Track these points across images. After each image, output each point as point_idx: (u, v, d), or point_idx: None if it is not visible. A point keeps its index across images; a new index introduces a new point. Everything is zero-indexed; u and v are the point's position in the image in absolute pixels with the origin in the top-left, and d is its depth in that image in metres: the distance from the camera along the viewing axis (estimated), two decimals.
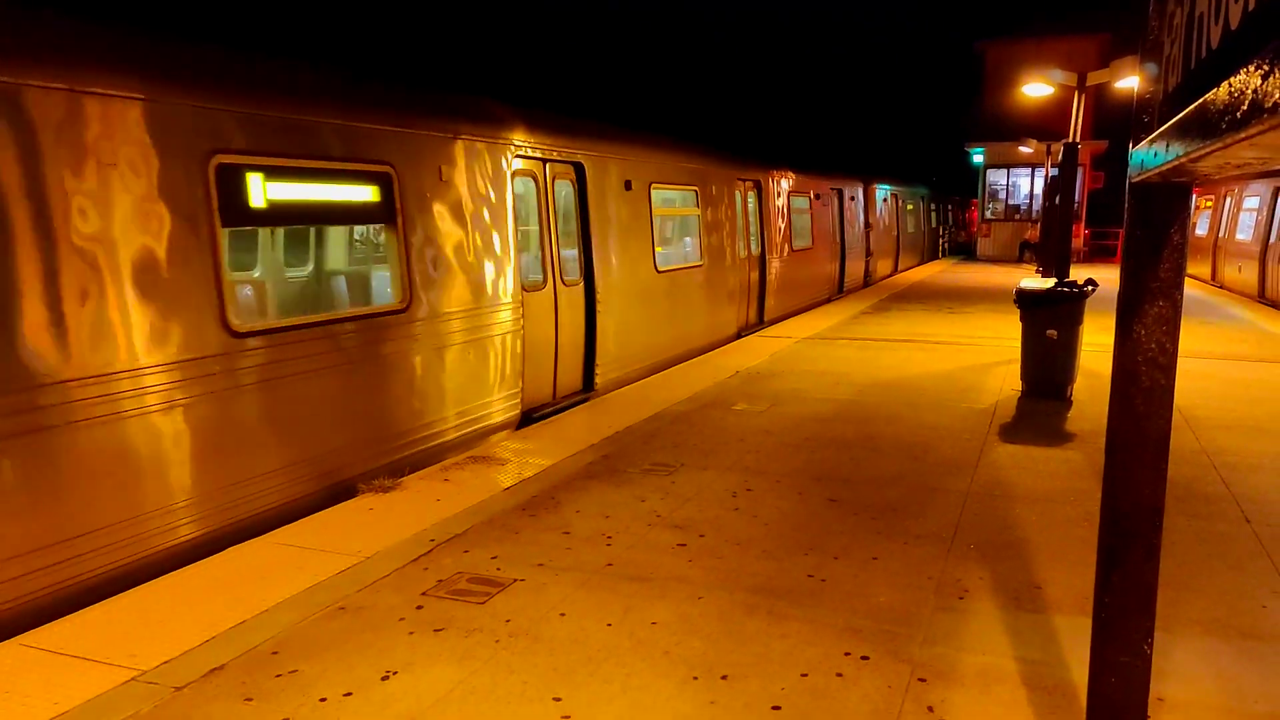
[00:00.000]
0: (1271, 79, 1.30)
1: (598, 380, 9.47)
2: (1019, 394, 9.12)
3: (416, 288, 6.78)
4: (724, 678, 3.67)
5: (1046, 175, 27.70)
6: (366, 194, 6.45)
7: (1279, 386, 9.58)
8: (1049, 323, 8.71)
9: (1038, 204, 31.07)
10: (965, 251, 38.52)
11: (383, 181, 6.52)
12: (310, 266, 8.65)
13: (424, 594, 4.45)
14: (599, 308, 9.43)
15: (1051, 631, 4.07)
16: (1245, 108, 1.43)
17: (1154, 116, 2.52)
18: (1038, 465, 6.69)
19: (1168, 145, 2.13)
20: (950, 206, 40.44)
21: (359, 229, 8.74)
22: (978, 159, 33.83)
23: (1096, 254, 32.75)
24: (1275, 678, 3.66)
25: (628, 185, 10.14)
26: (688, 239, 12.68)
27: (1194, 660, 3.79)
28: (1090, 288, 8.79)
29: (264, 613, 4.25)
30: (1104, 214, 33.74)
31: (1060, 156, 17.40)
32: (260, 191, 5.55)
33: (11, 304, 4.20)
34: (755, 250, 14.65)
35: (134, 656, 3.83)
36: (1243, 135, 1.46)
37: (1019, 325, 9.02)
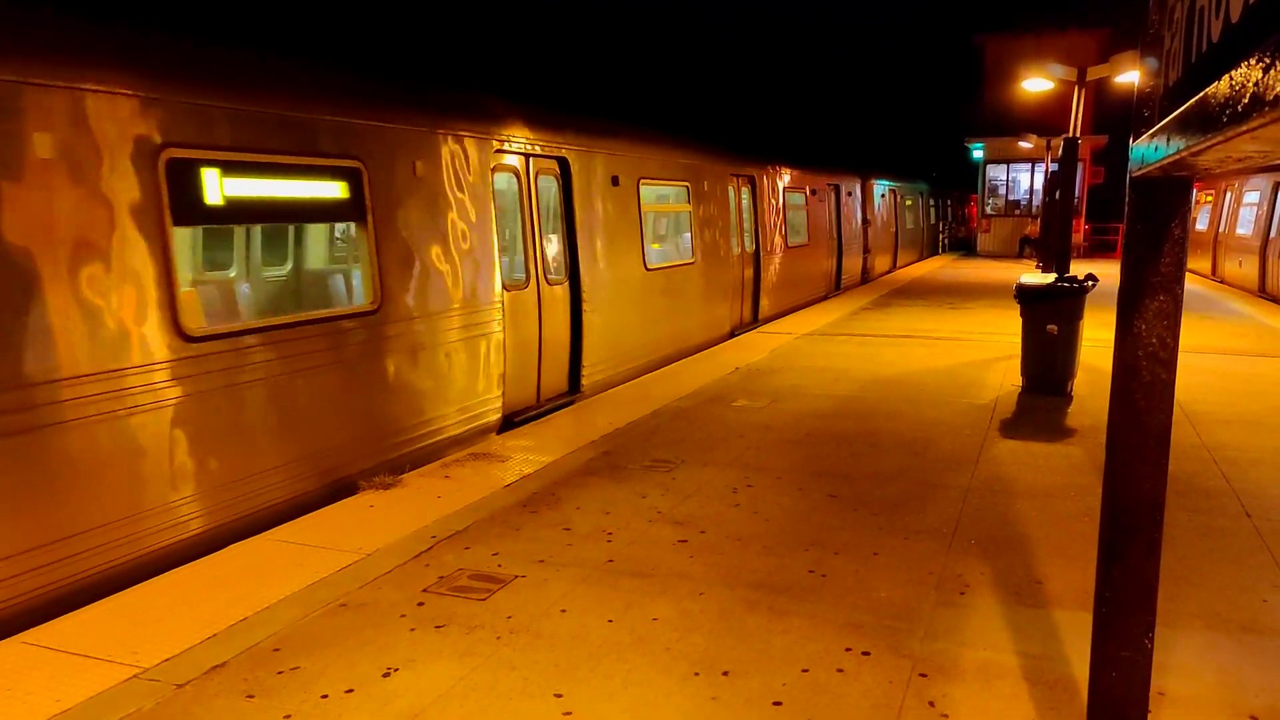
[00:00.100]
0: (1272, 72, 1.30)
1: (584, 382, 9.26)
2: (1019, 389, 9.12)
3: (388, 288, 6.52)
4: (725, 673, 3.67)
5: (1046, 170, 27.70)
6: (334, 190, 6.19)
7: (1279, 381, 9.58)
8: (1049, 318, 8.71)
9: (1038, 199, 31.05)
10: (965, 247, 38.54)
11: (351, 177, 6.26)
12: (278, 266, 8.30)
13: (425, 591, 4.46)
14: (585, 307, 9.22)
15: (1052, 626, 4.07)
16: (1246, 101, 1.43)
17: (1154, 111, 2.52)
18: (1038, 460, 6.69)
19: (1168, 139, 2.13)
20: (950, 202, 40.43)
21: (335, 227, 8.32)
22: (978, 154, 33.81)
23: (1097, 249, 32.73)
24: (1276, 671, 3.66)
25: (615, 181, 9.95)
26: (679, 236, 12.49)
27: (1195, 654, 3.79)
28: (1090, 283, 8.78)
29: (265, 610, 4.25)
30: (1104, 209, 33.75)
31: (1060, 151, 17.38)
32: (217, 188, 5.29)
33: None
34: (749, 247, 14.50)
35: (135, 654, 3.83)
36: (1244, 128, 1.46)
37: (1019, 321, 9.02)
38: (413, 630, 4.05)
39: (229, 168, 5.38)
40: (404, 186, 6.75)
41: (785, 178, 16.29)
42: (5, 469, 4.24)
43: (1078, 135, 16.59)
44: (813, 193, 18.00)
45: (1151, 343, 2.69)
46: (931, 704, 3.44)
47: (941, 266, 27.89)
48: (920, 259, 30.92)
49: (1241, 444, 7.07)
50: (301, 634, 4.02)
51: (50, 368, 4.39)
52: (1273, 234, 17.64)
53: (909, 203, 29.01)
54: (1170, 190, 2.63)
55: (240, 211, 5.90)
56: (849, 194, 20.93)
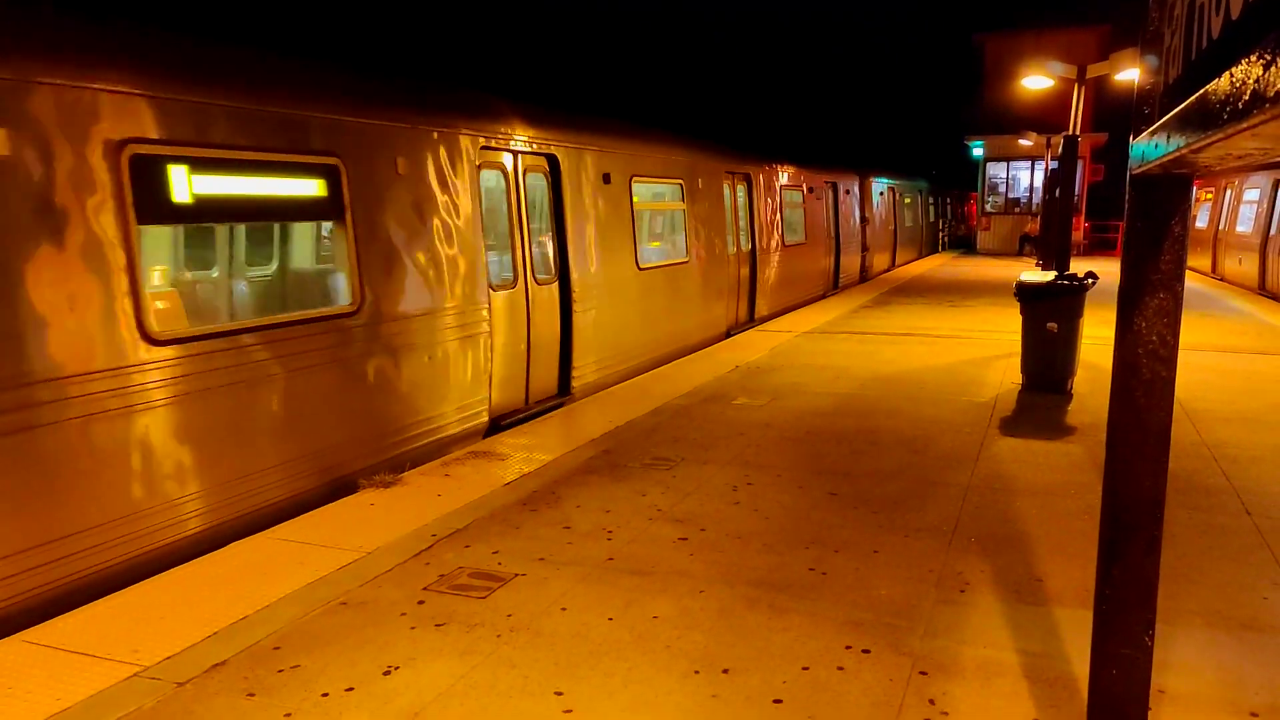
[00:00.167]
0: (1273, 69, 1.30)
1: (574, 384, 9.09)
2: (1019, 387, 9.12)
3: (368, 289, 6.37)
4: (725, 671, 3.67)
5: (1046, 168, 27.66)
6: (311, 188, 6.00)
7: (1279, 379, 9.58)
8: (1049, 316, 8.71)
9: (1038, 197, 31.05)
10: (965, 245, 38.51)
11: (329, 175, 6.09)
12: (258, 267, 8.10)
13: (425, 589, 4.46)
14: (575, 307, 9.03)
15: (1052, 624, 4.07)
16: (1247, 98, 1.43)
17: (1154, 108, 2.51)
18: (1038, 458, 6.70)
19: (1168, 137, 2.13)
20: (949, 200, 40.42)
21: (314, 226, 7.95)
22: (977, 152, 33.80)
23: (1097, 247, 32.72)
24: (1276, 669, 3.66)
25: (606, 178, 9.77)
26: (673, 235, 12.33)
27: (1195, 652, 3.80)
28: (1090, 281, 8.78)
29: (266, 608, 4.25)
30: (1104, 207, 33.73)
31: (1060, 149, 17.37)
32: (185, 185, 5.11)
33: None
34: (745, 246, 14.35)
35: (136, 652, 3.83)
36: (1244, 125, 1.46)
37: (1019, 318, 9.02)
38: (413, 628, 4.05)
39: (197, 164, 5.18)
40: (385, 184, 6.60)
41: (782, 175, 16.22)
42: None
43: (1077, 133, 16.57)
44: (810, 191, 17.96)
45: (1152, 340, 2.69)
46: (932, 702, 3.45)
47: (941, 264, 27.89)
48: (919, 257, 30.91)
49: (1242, 441, 7.08)
50: (302, 632, 4.02)
51: (23, 371, 4.28)
52: (1273, 231, 17.64)
53: (908, 200, 28.99)
54: (1170, 187, 2.62)
55: (211, 210, 5.65)
56: (847, 192, 20.91)
